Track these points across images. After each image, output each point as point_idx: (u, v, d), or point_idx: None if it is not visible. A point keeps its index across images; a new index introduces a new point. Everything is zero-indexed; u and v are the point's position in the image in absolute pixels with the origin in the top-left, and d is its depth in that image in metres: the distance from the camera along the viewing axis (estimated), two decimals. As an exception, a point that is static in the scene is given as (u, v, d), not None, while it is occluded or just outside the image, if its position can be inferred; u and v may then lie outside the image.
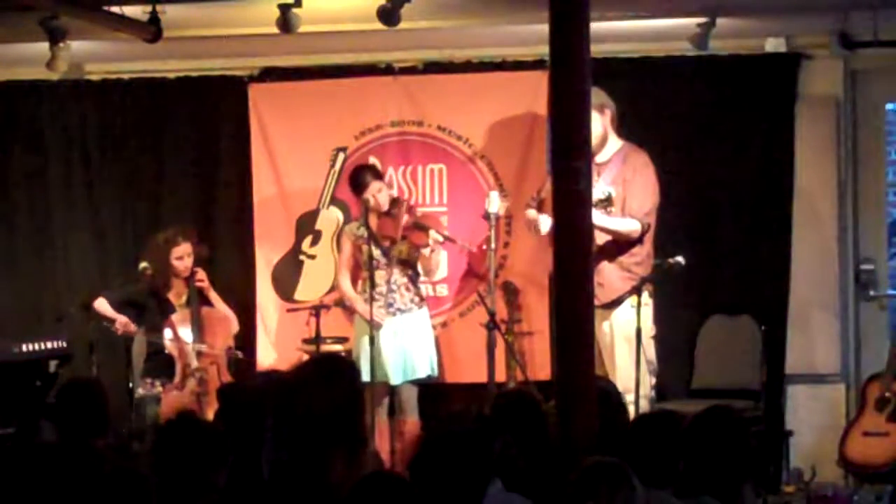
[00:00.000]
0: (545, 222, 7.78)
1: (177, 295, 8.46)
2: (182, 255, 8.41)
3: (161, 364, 8.35)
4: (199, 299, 8.42)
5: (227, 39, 8.44)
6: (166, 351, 8.30)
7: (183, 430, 4.93)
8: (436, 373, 8.38)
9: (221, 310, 8.51)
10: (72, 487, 4.96)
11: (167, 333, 8.31)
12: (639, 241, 7.80)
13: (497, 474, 4.70)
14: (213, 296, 8.51)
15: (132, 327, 8.32)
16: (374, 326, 7.98)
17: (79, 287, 9.12)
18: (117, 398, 7.75)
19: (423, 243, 8.19)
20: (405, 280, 8.26)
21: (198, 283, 8.42)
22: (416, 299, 8.32)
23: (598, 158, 7.66)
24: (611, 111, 7.84)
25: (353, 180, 8.29)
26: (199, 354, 8.26)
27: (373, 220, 8.21)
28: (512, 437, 4.91)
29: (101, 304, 8.41)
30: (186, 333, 8.28)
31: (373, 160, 8.69)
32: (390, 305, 8.20)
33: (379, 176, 8.30)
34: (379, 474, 4.31)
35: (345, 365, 5.30)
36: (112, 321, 8.32)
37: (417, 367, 8.26)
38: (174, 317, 8.33)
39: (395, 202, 8.26)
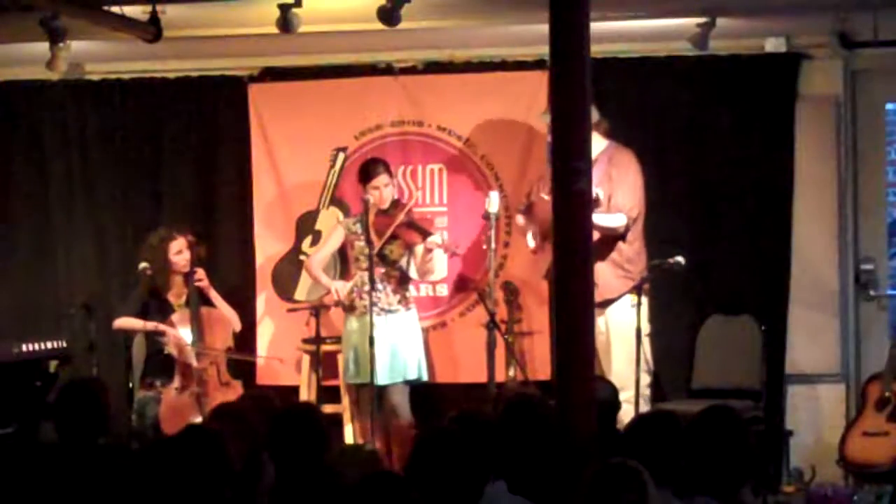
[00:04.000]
0: (530, 241, 7.96)
1: (176, 295, 8.46)
2: (180, 249, 8.39)
3: (161, 364, 8.35)
4: (199, 299, 8.42)
5: (227, 39, 8.43)
6: (166, 351, 8.30)
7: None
8: (424, 376, 8.33)
9: (222, 309, 8.50)
10: (72, 487, 4.97)
11: (170, 334, 8.30)
12: (623, 237, 7.84)
13: (501, 476, 4.71)
14: (214, 294, 8.49)
15: (183, 341, 8.27)
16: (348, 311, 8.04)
17: (79, 287, 9.13)
18: (117, 398, 7.75)
19: (414, 243, 8.18)
20: (392, 280, 8.24)
21: (197, 283, 8.41)
22: (404, 300, 8.28)
23: None
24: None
25: (362, 171, 8.27)
26: (199, 355, 8.26)
27: (370, 216, 8.21)
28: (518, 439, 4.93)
29: (128, 322, 8.36)
30: (186, 334, 8.28)
31: (373, 160, 8.70)
32: (375, 304, 8.18)
33: (389, 171, 8.28)
34: (377, 474, 4.30)
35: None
36: (163, 333, 8.26)
37: (405, 369, 8.23)
38: (174, 317, 8.33)
39: (395, 203, 8.25)
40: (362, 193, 8.17)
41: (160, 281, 8.41)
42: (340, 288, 8.23)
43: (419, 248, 8.19)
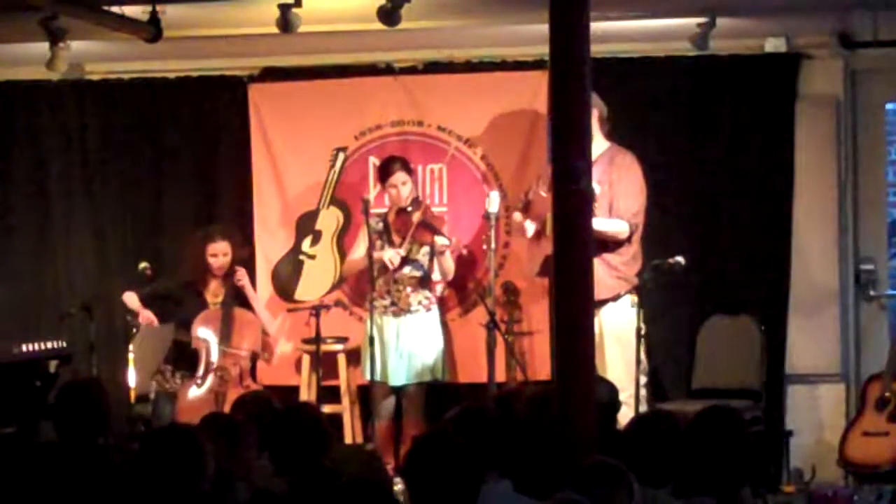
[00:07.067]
0: (529, 227, 7.90)
1: (213, 294, 8.43)
2: (217, 253, 8.38)
3: (184, 358, 8.32)
4: (235, 299, 8.39)
5: (227, 39, 8.45)
6: (192, 346, 8.28)
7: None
8: (443, 377, 8.33)
9: (258, 311, 8.47)
10: (72, 487, 4.97)
11: (197, 330, 8.29)
12: (627, 240, 7.84)
13: (506, 475, 4.70)
14: (251, 295, 8.45)
15: (155, 322, 8.31)
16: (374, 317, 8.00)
17: (79, 287, 9.13)
18: (117, 398, 7.74)
19: (426, 242, 8.18)
20: (412, 281, 8.24)
21: (237, 282, 8.38)
22: (425, 301, 8.28)
23: None
24: (599, 112, 7.84)
25: (381, 168, 8.31)
26: (224, 354, 8.24)
27: (391, 215, 8.24)
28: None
29: (130, 298, 8.40)
30: (208, 333, 8.25)
31: (373, 160, 8.70)
32: (394, 305, 8.18)
33: (407, 168, 8.29)
34: (361, 480, 4.31)
35: None
36: (136, 314, 8.32)
37: (423, 370, 8.23)
38: (204, 314, 8.31)
39: (414, 201, 8.25)
40: (366, 193, 8.19)
41: (195, 277, 8.41)
42: (393, 256, 8.18)
43: (438, 246, 8.18)
